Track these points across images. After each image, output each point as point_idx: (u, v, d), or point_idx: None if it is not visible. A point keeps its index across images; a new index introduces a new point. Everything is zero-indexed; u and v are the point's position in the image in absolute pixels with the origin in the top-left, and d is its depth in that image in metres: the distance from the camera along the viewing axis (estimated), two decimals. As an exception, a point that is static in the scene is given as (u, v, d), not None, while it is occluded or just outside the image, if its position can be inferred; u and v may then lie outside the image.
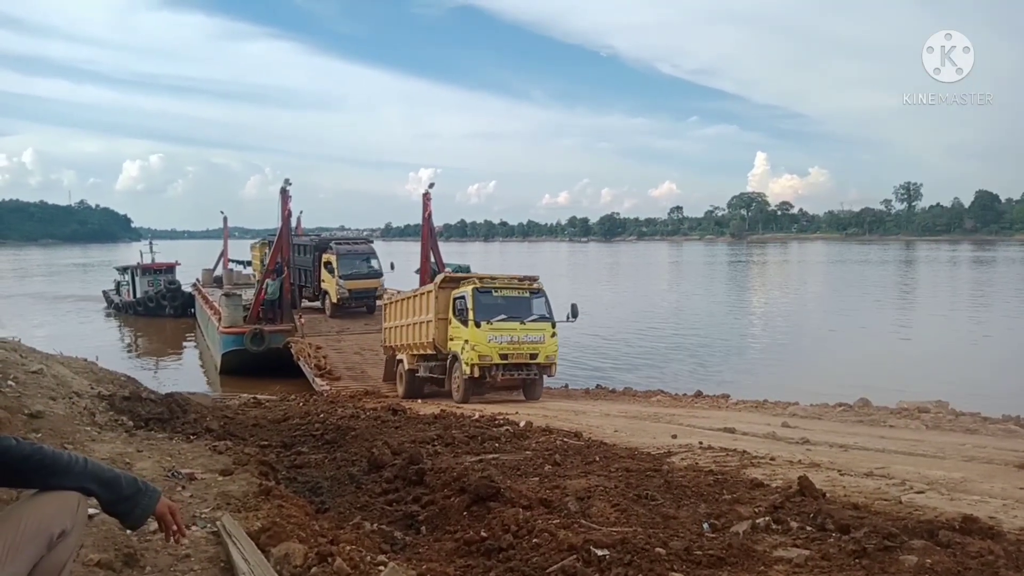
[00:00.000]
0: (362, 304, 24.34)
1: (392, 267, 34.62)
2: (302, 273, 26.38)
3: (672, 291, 50.96)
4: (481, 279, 14.81)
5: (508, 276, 15.37)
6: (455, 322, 14.45)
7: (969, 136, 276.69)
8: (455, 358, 14.36)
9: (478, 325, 13.80)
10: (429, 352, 15.48)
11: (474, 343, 13.79)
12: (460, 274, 17.09)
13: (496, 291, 14.42)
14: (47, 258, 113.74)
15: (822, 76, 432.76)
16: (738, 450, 6.90)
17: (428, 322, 15.27)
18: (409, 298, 16.95)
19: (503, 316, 14.05)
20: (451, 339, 14.63)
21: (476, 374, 13.76)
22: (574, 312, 15.01)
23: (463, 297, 14.27)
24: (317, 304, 25.88)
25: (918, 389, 14.07)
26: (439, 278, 15.90)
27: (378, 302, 22.86)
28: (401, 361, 16.73)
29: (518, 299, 14.61)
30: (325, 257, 24.62)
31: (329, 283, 24.28)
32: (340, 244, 25.27)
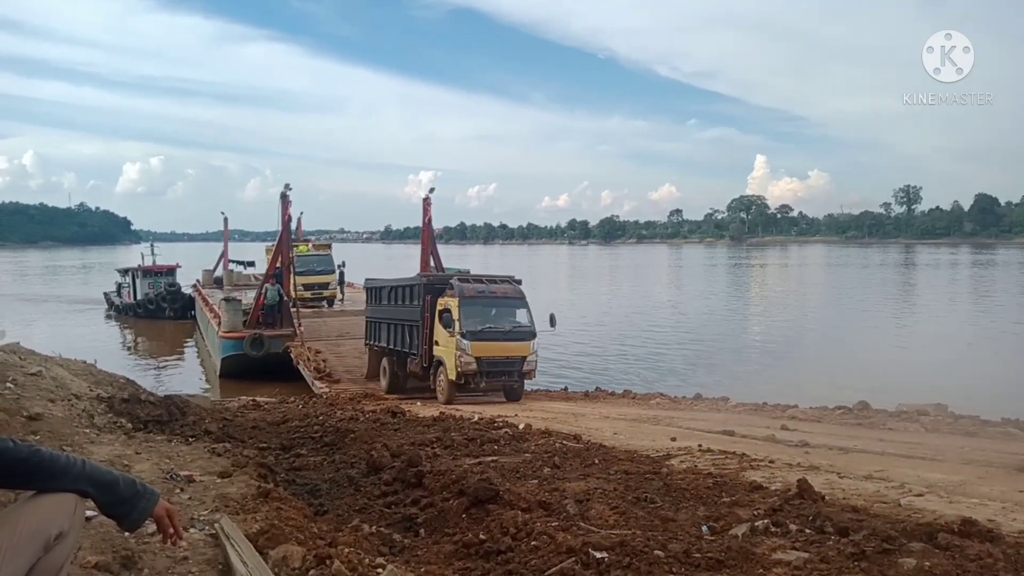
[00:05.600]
0: (499, 378, 15.02)
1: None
2: (402, 332, 17.00)
3: (672, 294, 50.98)
4: None
5: None
6: None
7: (968, 139, 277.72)
8: None
9: None
10: None
11: None
12: None
13: None
14: (47, 260, 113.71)
15: (821, 79, 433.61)
16: (737, 453, 6.90)
17: None
18: None
19: None
20: None
21: None
22: None
23: None
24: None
25: (917, 392, 14.05)
26: None
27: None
28: None
29: None
30: (441, 303, 15.35)
31: (447, 347, 14.93)
32: (465, 282, 15.78)
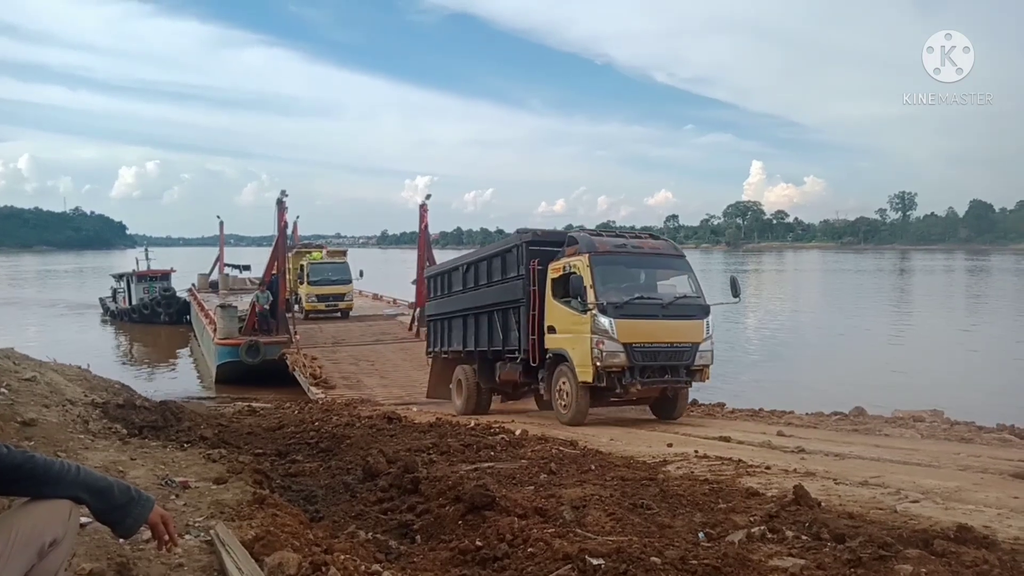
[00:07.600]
0: (661, 378, 9.98)
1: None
2: (489, 324, 12.12)
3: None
4: None
5: None
6: None
7: (964, 145, 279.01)
8: None
9: None
10: None
11: None
12: None
13: None
14: (42, 265, 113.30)
15: (818, 85, 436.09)
16: (734, 459, 6.89)
17: None
18: None
19: None
20: None
21: None
22: None
23: None
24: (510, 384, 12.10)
25: (913, 397, 14.07)
26: None
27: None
28: None
29: None
30: (556, 267, 10.71)
31: (572, 331, 10.19)
32: (598, 236, 11.00)
